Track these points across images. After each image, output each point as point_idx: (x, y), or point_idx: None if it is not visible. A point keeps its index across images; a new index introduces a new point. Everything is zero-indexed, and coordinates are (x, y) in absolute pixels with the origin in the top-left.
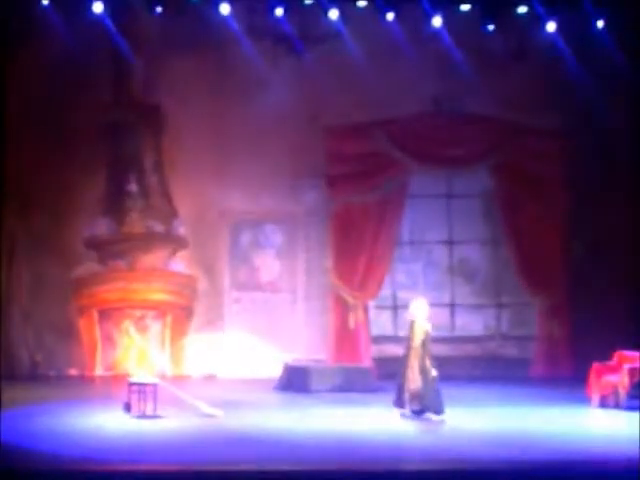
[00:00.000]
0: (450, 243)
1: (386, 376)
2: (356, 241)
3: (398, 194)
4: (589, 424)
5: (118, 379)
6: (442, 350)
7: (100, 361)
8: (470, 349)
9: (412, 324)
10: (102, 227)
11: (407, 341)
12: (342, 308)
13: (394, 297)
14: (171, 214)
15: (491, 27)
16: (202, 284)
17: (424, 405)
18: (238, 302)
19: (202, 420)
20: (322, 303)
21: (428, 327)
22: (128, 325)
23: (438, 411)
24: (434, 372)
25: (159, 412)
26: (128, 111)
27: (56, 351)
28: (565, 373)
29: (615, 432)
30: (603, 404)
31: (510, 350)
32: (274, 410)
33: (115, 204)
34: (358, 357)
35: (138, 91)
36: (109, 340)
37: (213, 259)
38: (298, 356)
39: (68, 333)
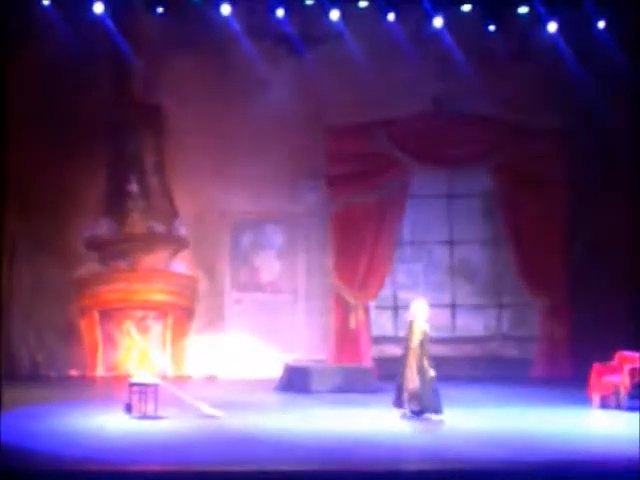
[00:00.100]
0: (450, 243)
1: (387, 376)
2: (356, 241)
3: (398, 194)
4: (589, 424)
5: (119, 380)
6: (442, 350)
7: (101, 362)
8: (470, 349)
9: (411, 324)
10: (103, 227)
11: (405, 341)
12: (343, 308)
13: (395, 297)
14: (172, 214)
15: (492, 27)
16: (203, 285)
17: (423, 405)
18: (239, 303)
19: (203, 421)
20: (323, 303)
21: (426, 327)
22: (129, 326)
23: (437, 411)
24: (432, 372)
25: (160, 413)
26: (129, 111)
27: (57, 351)
28: (565, 373)
29: (615, 432)
30: (604, 404)
31: (511, 350)
32: (275, 410)
33: (116, 204)
34: (359, 357)
35: (139, 91)
36: (110, 341)
37: (214, 260)
38: (299, 356)
39: (69, 334)
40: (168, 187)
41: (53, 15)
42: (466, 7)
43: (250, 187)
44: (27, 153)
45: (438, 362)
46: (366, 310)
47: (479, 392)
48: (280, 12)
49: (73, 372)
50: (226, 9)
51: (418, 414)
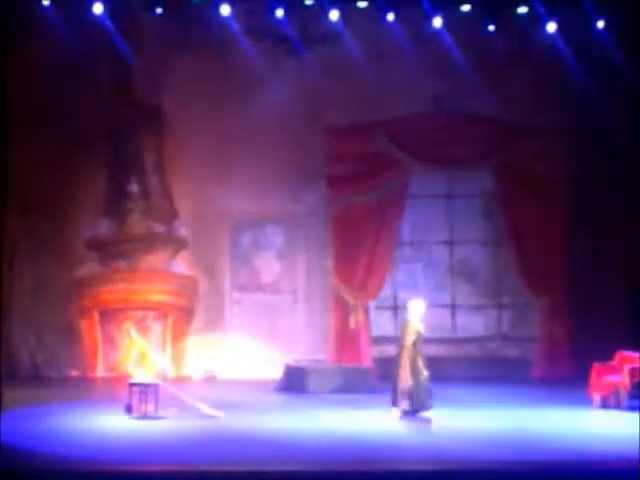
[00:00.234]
0: (450, 243)
1: (386, 376)
2: (356, 241)
3: (398, 194)
4: (589, 424)
5: (119, 380)
6: (442, 351)
7: (101, 362)
8: (470, 349)
9: (406, 323)
10: (103, 228)
11: (399, 340)
12: (343, 309)
13: (394, 297)
14: (172, 215)
15: (491, 27)
16: (203, 285)
17: (416, 405)
18: (239, 303)
19: (203, 421)
20: (323, 304)
21: (421, 327)
22: (129, 326)
23: (428, 408)
24: (425, 372)
25: (160, 413)
26: (128, 112)
27: (57, 352)
28: (566, 373)
29: (615, 432)
30: (604, 404)
31: (511, 350)
32: (275, 411)
33: (116, 205)
34: (358, 358)
35: (138, 92)
36: (110, 341)
37: (214, 260)
38: (298, 357)
39: (69, 334)
40: (168, 187)
41: (53, 15)
42: (466, 7)
43: (250, 187)
44: (27, 153)
45: (438, 362)
46: (366, 310)
47: (479, 392)
48: (280, 12)
49: (73, 372)
50: (226, 9)
51: (412, 414)
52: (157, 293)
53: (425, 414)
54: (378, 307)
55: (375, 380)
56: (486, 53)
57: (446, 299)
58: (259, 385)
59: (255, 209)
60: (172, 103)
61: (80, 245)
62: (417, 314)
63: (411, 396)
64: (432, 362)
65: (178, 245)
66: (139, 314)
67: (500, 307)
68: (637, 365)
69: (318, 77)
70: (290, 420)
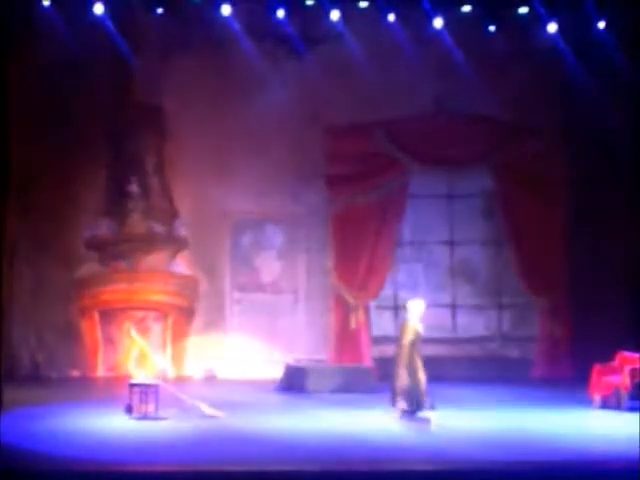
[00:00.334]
0: (451, 243)
1: (386, 377)
2: (357, 241)
3: (399, 194)
4: (589, 424)
5: (119, 380)
6: (443, 351)
7: (101, 362)
8: (471, 350)
9: (404, 323)
10: (103, 228)
11: (398, 340)
12: (343, 308)
13: (395, 297)
14: (172, 215)
15: (492, 28)
16: (203, 285)
17: (413, 404)
18: (239, 303)
19: (203, 421)
20: (323, 304)
21: (419, 327)
22: (129, 326)
23: (424, 408)
24: (423, 372)
25: (160, 413)
26: (129, 112)
27: (57, 352)
28: (566, 374)
29: (615, 432)
30: (605, 405)
31: (511, 351)
32: (275, 411)
33: (116, 205)
34: (359, 357)
35: (139, 92)
36: (110, 341)
37: (214, 260)
38: (299, 357)
39: (69, 334)
40: (168, 187)
41: (54, 15)
42: (466, 7)
43: (250, 187)
44: (27, 153)
45: (439, 362)
46: (366, 310)
47: (479, 392)
48: (280, 12)
49: (73, 372)
50: (226, 9)
51: (410, 413)
52: (157, 293)
53: (424, 414)
54: (378, 307)
55: (375, 380)
56: (486, 53)
57: (446, 299)
58: (259, 385)
59: (255, 209)
60: (172, 103)
61: (80, 245)
62: (416, 314)
63: (408, 396)
64: (433, 362)
65: (178, 245)
66: (139, 314)
67: (500, 307)
68: (637, 366)
69: (318, 77)
70: (290, 420)
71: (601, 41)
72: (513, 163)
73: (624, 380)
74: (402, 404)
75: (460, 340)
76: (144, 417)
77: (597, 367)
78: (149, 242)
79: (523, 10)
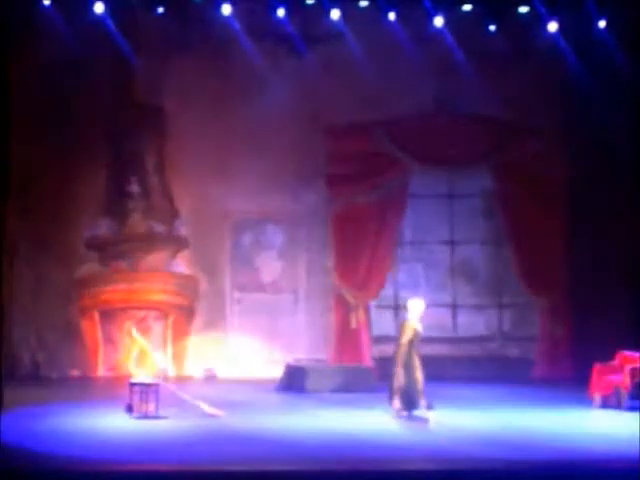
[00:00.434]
0: (451, 243)
1: (386, 376)
2: (357, 241)
3: (399, 194)
4: (590, 424)
5: (120, 380)
6: (443, 350)
7: (102, 362)
8: (471, 349)
9: (403, 322)
10: (103, 228)
11: (397, 339)
12: (343, 308)
13: (395, 297)
14: (172, 215)
15: (492, 27)
16: (203, 285)
17: (408, 403)
18: (239, 303)
19: (203, 421)
20: (323, 303)
21: (418, 327)
22: (130, 326)
23: (419, 407)
24: (420, 371)
25: (161, 413)
26: (129, 111)
27: (58, 352)
28: (566, 373)
29: (615, 432)
30: (605, 404)
31: (511, 350)
32: (275, 410)
33: (116, 205)
34: (359, 357)
35: (139, 92)
36: (111, 341)
37: (214, 260)
38: (299, 356)
39: (70, 334)
40: (168, 187)
41: (54, 15)
42: (467, 7)
43: (250, 187)
44: (27, 153)
45: (439, 362)
46: (367, 310)
47: (479, 392)
48: (281, 12)
49: (74, 372)
50: (226, 9)
51: (406, 412)
52: (158, 293)
53: (423, 414)
54: (379, 307)
55: (375, 380)
56: (487, 53)
57: (447, 299)
58: (259, 385)
59: (255, 209)
60: (172, 103)
61: (80, 245)
62: (416, 313)
63: (404, 394)
64: (433, 362)
65: (178, 245)
66: (140, 314)
67: (501, 307)
68: (638, 365)
69: (319, 77)
70: (290, 420)
71: (601, 41)
72: (513, 163)
73: (624, 379)
74: (397, 403)
75: (460, 340)
76: (144, 416)
77: (597, 366)
78: (149, 242)
79: (523, 9)
